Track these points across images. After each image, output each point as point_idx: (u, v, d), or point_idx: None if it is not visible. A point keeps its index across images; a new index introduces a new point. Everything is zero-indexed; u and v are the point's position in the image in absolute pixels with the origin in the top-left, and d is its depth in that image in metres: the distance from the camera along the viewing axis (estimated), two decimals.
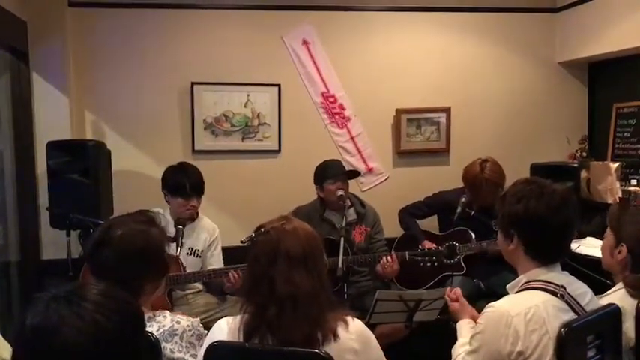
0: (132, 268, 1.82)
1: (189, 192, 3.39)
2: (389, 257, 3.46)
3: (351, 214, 3.72)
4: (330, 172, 3.65)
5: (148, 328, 1.81)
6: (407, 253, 3.50)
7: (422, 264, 3.48)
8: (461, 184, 3.93)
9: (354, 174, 3.89)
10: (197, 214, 3.53)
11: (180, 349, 1.85)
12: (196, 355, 1.85)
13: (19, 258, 3.90)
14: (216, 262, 3.51)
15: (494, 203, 2.10)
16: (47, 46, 3.88)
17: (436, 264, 3.50)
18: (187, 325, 1.90)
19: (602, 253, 2.29)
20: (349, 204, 3.66)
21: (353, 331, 1.73)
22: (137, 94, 4.18)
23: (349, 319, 1.75)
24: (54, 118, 3.89)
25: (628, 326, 2.03)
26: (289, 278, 1.70)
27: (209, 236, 3.55)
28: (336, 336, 1.69)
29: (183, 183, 3.38)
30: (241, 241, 2.78)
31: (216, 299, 3.53)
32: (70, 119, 3.95)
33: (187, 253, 3.43)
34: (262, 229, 1.81)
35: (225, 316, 1.87)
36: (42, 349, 1.09)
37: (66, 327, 1.08)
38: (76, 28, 4.04)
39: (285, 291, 1.69)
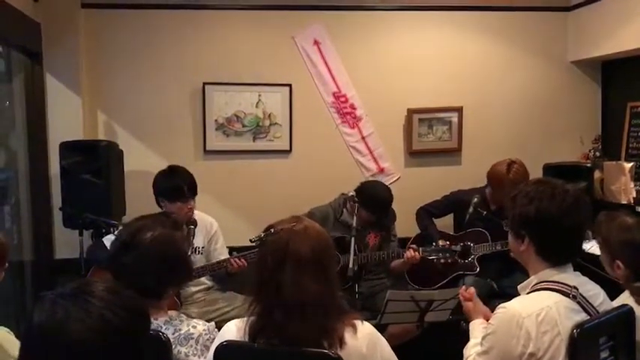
0: (158, 273, 1.82)
1: (187, 194, 3.34)
2: (415, 252, 3.46)
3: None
4: (375, 206, 3.58)
5: (165, 332, 1.82)
6: (420, 249, 3.49)
7: (435, 260, 3.47)
8: (473, 184, 3.92)
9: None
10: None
11: (195, 352, 1.86)
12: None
13: (33, 257, 3.93)
14: (220, 255, 3.48)
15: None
16: (60, 47, 3.91)
17: (450, 261, 3.49)
18: (204, 330, 1.90)
19: (604, 265, 2.28)
20: None
21: (361, 336, 1.70)
22: (149, 95, 4.21)
23: (358, 323, 1.72)
24: (67, 118, 3.93)
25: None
26: (297, 284, 1.66)
27: (207, 232, 3.52)
28: (342, 343, 1.65)
29: (180, 186, 3.33)
30: (250, 240, 2.78)
31: (226, 295, 3.53)
32: (83, 120, 3.99)
33: (191, 253, 3.41)
34: (272, 230, 1.77)
35: (235, 315, 1.87)
36: (49, 346, 1.09)
37: (73, 323, 1.09)
38: (89, 30, 4.07)
39: (292, 297, 1.65)
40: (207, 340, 1.89)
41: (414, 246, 3.55)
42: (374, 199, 3.59)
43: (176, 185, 3.35)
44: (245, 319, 1.75)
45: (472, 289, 2.29)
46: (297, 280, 1.66)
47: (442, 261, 3.47)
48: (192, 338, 1.87)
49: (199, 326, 1.91)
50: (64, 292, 1.15)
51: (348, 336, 1.67)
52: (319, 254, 1.72)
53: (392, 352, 1.80)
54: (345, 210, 3.65)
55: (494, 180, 3.71)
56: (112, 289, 1.17)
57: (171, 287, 1.88)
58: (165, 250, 1.84)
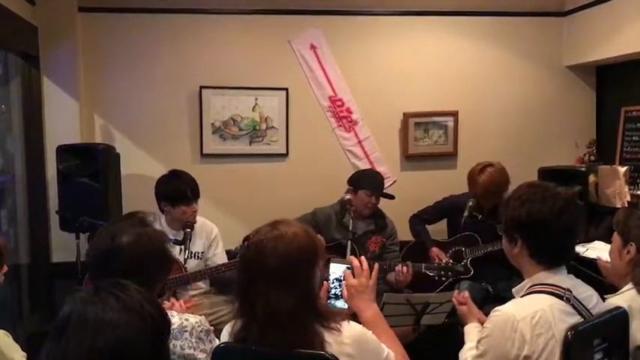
0: (147, 270, 1.83)
1: (190, 198, 3.36)
2: (404, 267, 3.39)
3: (370, 224, 3.73)
4: (371, 184, 3.64)
5: None
6: (423, 265, 3.44)
7: (437, 278, 3.44)
8: (468, 188, 3.94)
9: (389, 196, 3.80)
10: None
11: (190, 344, 1.90)
12: (206, 351, 1.89)
13: (29, 261, 3.94)
14: (219, 260, 3.48)
15: (496, 206, 2.10)
16: (58, 50, 3.93)
17: (451, 280, 3.47)
18: (196, 322, 1.95)
19: (611, 257, 2.29)
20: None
21: (347, 336, 1.69)
22: (146, 98, 4.22)
23: (344, 324, 1.71)
24: (64, 122, 3.94)
25: (635, 326, 2.02)
26: (268, 299, 1.65)
27: (207, 237, 3.53)
28: (325, 346, 1.64)
29: (183, 190, 3.35)
30: (234, 249, 2.80)
31: (225, 298, 3.54)
32: (80, 123, 4.00)
33: (187, 257, 3.42)
34: (246, 242, 1.76)
35: (232, 318, 1.88)
36: (87, 330, 1.15)
37: (113, 305, 1.17)
38: (86, 33, 4.09)
39: (264, 313, 1.65)
40: (201, 332, 1.94)
41: (408, 262, 3.46)
42: (366, 174, 3.77)
43: (179, 189, 3.36)
44: (233, 325, 1.76)
45: (466, 293, 2.31)
46: (267, 296, 1.65)
47: (443, 279, 3.45)
48: (187, 331, 1.91)
49: (191, 318, 1.96)
50: (101, 285, 1.24)
51: (331, 339, 1.66)
52: (291, 262, 1.68)
53: (381, 344, 1.79)
54: (347, 213, 3.66)
55: (468, 178, 3.80)
56: (136, 287, 1.27)
57: (158, 282, 1.90)
58: (144, 247, 1.85)
